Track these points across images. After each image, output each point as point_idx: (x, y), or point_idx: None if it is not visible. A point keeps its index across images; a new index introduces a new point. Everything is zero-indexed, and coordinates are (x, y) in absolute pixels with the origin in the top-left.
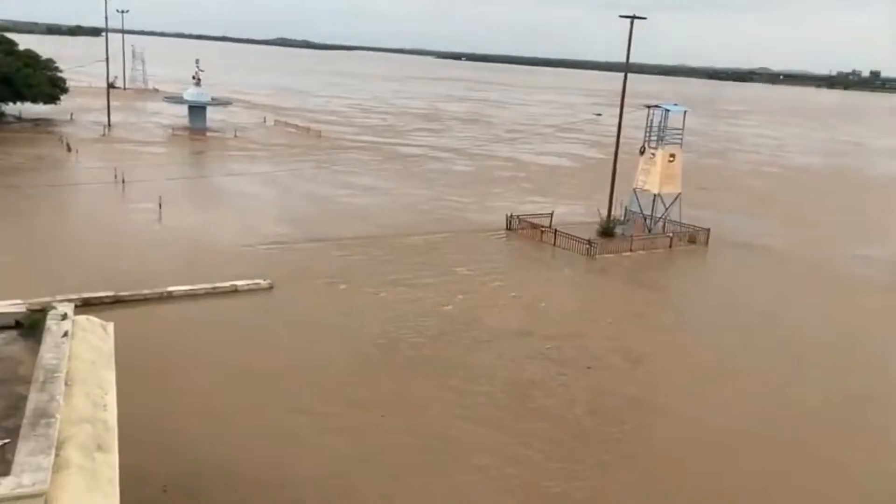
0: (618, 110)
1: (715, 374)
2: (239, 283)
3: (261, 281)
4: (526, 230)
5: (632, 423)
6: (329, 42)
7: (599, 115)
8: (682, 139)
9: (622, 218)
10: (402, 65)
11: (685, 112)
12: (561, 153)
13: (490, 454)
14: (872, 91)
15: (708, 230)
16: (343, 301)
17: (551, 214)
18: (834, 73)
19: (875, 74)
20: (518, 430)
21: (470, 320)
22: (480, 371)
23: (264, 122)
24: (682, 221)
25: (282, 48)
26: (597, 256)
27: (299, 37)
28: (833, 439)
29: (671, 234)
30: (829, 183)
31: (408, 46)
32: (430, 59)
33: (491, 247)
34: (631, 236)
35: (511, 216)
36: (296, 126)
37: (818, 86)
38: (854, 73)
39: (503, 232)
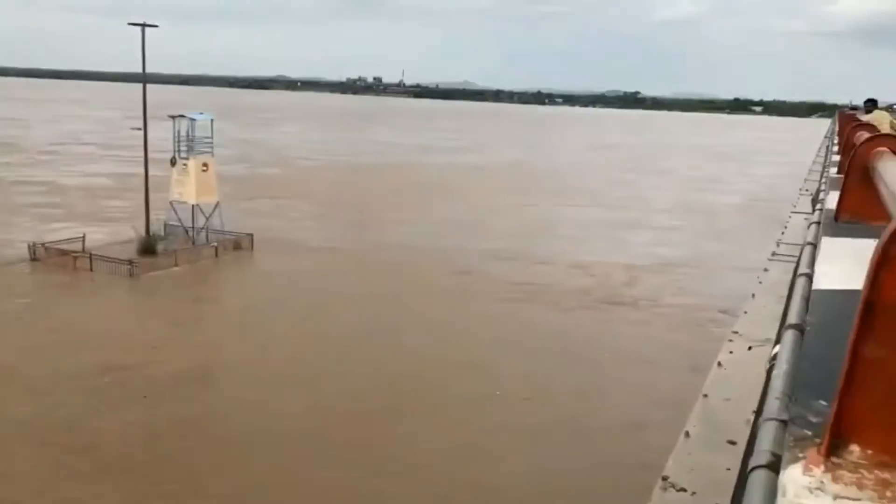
0: (156, 123)
1: (278, 376)
2: None
3: None
4: (55, 259)
5: (191, 443)
6: None
7: (139, 129)
8: (212, 147)
9: (162, 233)
10: None
11: (212, 120)
12: (105, 173)
13: None
14: (377, 95)
15: (251, 235)
16: None
17: (83, 238)
18: (344, 79)
19: (378, 80)
20: (74, 473)
21: (5, 369)
22: (31, 425)
23: None
24: (226, 230)
25: None
26: (141, 276)
27: None
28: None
29: (215, 244)
30: (378, 181)
31: None
32: None
33: (15, 282)
34: (174, 251)
35: (34, 245)
36: None
37: (332, 91)
38: (361, 79)
39: (27, 264)
